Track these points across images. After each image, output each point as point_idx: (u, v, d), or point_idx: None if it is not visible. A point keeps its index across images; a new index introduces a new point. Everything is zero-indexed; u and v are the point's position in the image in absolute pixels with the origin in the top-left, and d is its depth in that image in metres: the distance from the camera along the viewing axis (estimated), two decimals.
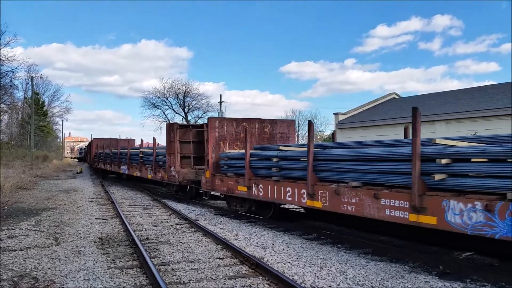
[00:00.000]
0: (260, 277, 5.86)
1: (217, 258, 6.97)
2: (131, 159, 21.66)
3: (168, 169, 15.75)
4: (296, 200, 8.76)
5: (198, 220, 10.70)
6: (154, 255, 7.13)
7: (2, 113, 43.01)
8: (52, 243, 8.09)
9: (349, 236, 8.46)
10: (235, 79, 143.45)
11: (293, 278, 5.70)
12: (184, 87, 57.28)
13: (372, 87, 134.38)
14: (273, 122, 13.45)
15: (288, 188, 8.96)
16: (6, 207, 12.86)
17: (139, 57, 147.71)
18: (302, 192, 8.51)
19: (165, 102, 58.21)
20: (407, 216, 6.28)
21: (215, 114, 54.70)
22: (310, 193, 8.18)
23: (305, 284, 5.55)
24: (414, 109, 6.39)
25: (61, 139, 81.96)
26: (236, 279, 5.79)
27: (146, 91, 77.64)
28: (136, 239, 7.95)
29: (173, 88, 57.18)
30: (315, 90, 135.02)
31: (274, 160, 9.59)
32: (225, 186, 11.51)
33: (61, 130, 77.41)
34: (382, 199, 6.69)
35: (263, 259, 6.75)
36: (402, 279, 5.73)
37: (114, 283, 5.61)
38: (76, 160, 70.96)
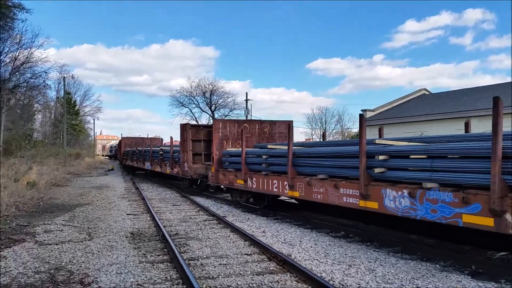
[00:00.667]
0: (288, 274, 5.88)
1: (245, 254, 7.03)
2: (153, 156, 23.13)
3: (182, 164, 17.16)
4: (280, 191, 10.18)
5: (225, 216, 10.81)
6: (183, 250, 7.26)
7: (36, 112, 44.50)
8: (85, 237, 8.34)
9: (378, 234, 8.37)
10: (261, 77, 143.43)
11: (321, 276, 5.69)
12: (210, 86, 57.67)
13: (401, 83, 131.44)
14: (272, 123, 15.20)
15: (275, 181, 10.40)
16: (41, 203, 13.33)
17: (167, 57, 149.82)
18: (284, 184, 9.88)
19: (192, 100, 58.76)
20: (358, 202, 7.55)
21: (241, 112, 54.95)
22: (290, 185, 9.59)
23: (333, 281, 5.53)
24: (361, 116, 7.92)
25: (93, 137, 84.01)
26: (264, 275, 5.83)
27: (174, 90, 78.73)
28: (166, 234, 8.10)
29: (200, 87, 57.66)
30: (343, 87, 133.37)
31: (264, 157, 11.06)
32: (227, 180, 13.13)
33: (92, 128, 79.43)
34: (341, 189, 8.01)
35: (290, 256, 6.77)
36: (433, 278, 5.64)
37: (146, 277, 5.75)
38: (107, 157, 72.60)
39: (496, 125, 5.32)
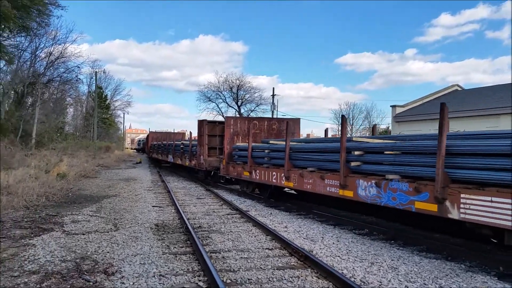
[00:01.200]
0: (309, 269, 5.86)
1: (266, 248, 7.04)
2: (175, 149, 24.94)
3: (198, 157, 18.65)
4: (278, 181, 11.45)
5: (248, 211, 10.85)
6: (206, 243, 7.33)
7: (68, 106, 45.74)
8: (111, 228, 8.54)
9: (403, 232, 8.22)
10: (289, 72, 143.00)
11: (342, 272, 5.65)
12: (237, 81, 57.88)
13: (433, 79, 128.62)
14: (280, 120, 16.69)
15: (274, 173, 11.70)
16: (70, 194, 13.72)
17: (197, 52, 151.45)
18: (282, 175, 11.16)
19: (219, 95, 59.14)
20: (338, 191, 8.78)
21: (267, 107, 54.86)
22: (286, 176, 10.92)
23: (354, 278, 5.47)
24: (342, 116, 9.23)
25: (122, 131, 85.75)
26: (285, 270, 5.82)
27: (202, 85, 79.21)
28: (189, 227, 8.20)
29: (227, 82, 57.95)
30: (372, 82, 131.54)
31: (266, 151, 12.43)
32: (235, 172, 14.49)
33: (122, 122, 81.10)
34: (325, 180, 9.24)
35: (312, 251, 6.74)
36: (457, 278, 5.50)
37: (168, 268, 5.84)
38: (136, 151, 74.04)
39: (441, 126, 6.32)
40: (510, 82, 30.69)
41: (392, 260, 6.40)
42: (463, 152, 6.23)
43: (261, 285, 5.21)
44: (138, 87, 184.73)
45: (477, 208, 5.83)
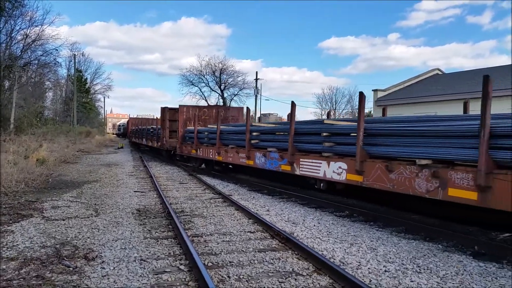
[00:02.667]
0: (290, 251, 5.93)
1: (248, 231, 7.08)
2: (147, 133, 29.25)
3: (162, 139, 22.07)
4: (212, 156, 15.14)
5: (231, 195, 10.87)
6: (188, 227, 7.34)
7: (47, 90, 44.72)
8: (92, 214, 8.47)
9: (383, 214, 8.36)
10: (273, 56, 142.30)
11: (322, 253, 5.73)
12: (220, 64, 57.42)
13: (415, 64, 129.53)
14: (226, 108, 22.82)
15: (211, 150, 15.28)
16: (50, 180, 13.52)
17: (179, 35, 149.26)
18: (215, 152, 14.74)
19: (202, 79, 58.65)
20: (245, 161, 12.38)
21: (251, 92, 54.70)
22: (217, 152, 14.46)
23: (334, 259, 5.56)
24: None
25: (103, 116, 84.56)
26: (266, 252, 5.88)
27: (184, 69, 78.35)
28: (171, 211, 8.19)
29: (210, 66, 57.43)
30: (355, 66, 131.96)
31: (206, 133, 16.42)
32: (187, 150, 18.57)
33: (103, 106, 79.90)
34: (239, 153, 12.83)
35: (293, 234, 6.81)
36: (434, 258, 5.64)
37: (149, 252, 5.83)
38: (117, 135, 73.24)
39: (291, 120, 10.25)
40: (489, 66, 31.13)
41: (371, 241, 6.52)
42: (303, 132, 9.88)
43: (242, 267, 5.25)
44: (119, 71, 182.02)
45: (307, 167, 9.43)
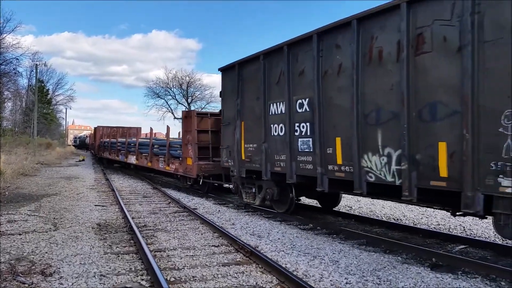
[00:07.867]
0: (254, 265, 5.93)
1: (212, 245, 7.03)
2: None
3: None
4: (122, 160, 23.24)
5: (196, 209, 10.77)
6: (150, 242, 7.20)
7: (6, 100, 43.05)
8: (50, 228, 8.18)
9: (346, 227, 8.51)
10: None
11: (285, 266, 5.75)
12: (187, 78, 57.17)
13: None
14: (129, 128, 31.58)
15: (120, 155, 23.79)
16: (7, 193, 12.98)
17: (149, 47, 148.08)
18: (120, 156, 23.66)
19: (168, 92, 58.18)
20: (148, 165, 18.29)
21: (218, 105, 54.58)
22: (124, 155, 22.57)
23: (297, 272, 5.60)
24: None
25: (65, 127, 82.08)
26: (230, 266, 5.85)
27: (150, 81, 77.53)
28: (133, 225, 8.02)
29: (177, 78, 57.08)
30: None
31: (108, 143, 27.40)
32: (104, 154, 28.79)
33: (64, 118, 77.52)
34: (144, 159, 19.01)
35: (258, 247, 6.82)
36: (394, 270, 5.78)
37: (110, 268, 5.69)
38: (75, 147, 71.26)
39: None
40: None
41: (333, 253, 6.61)
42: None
43: (205, 282, 5.21)
44: (84, 82, 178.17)
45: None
